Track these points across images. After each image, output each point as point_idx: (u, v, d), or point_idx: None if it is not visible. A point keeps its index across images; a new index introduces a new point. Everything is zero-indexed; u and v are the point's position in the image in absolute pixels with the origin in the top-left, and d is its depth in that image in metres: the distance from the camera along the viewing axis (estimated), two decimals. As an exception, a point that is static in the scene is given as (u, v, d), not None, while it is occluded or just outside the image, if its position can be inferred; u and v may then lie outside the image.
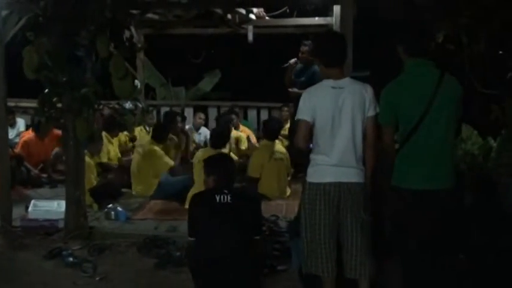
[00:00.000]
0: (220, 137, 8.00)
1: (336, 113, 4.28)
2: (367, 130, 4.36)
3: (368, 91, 4.36)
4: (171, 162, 8.52)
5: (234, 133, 9.70)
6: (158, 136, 8.68)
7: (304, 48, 9.09)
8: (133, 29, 7.61)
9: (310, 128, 4.38)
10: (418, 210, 4.19)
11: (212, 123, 11.46)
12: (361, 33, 6.41)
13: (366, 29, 7.32)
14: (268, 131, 8.63)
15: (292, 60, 9.22)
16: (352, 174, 4.30)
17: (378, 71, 7.34)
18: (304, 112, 4.39)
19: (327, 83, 4.42)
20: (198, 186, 7.10)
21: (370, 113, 4.34)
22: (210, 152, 7.52)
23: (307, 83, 8.95)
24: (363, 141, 4.35)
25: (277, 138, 8.62)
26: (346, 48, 4.49)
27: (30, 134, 9.56)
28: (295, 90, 9.06)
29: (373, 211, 4.43)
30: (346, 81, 4.36)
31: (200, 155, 7.83)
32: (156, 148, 8.48)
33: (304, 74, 9.14)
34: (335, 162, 4.29)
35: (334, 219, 4.31)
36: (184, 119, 10.24)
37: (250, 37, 10.51)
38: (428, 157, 4.18)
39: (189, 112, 11.70)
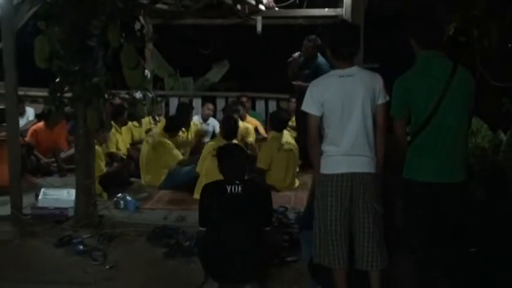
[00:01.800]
0: (231, 127, 8.01)
1: (346, 101, 4.26)
2: (377, 118, 4.33)
3: (377, 79, 4.33)
4: (180, 156, 8.55)
5: (241, 124, 9.70)
6: (171, 129, 8.69)
7: (308, 44, 9.11)
8: (142, 19, 7.62)
9: (319, 121, 4.38)
10: (429, 203, 4.19)
11: (220, 114, 11.47)
12: (371, 24, 6.39)
13: (375, 20, 7.29)
14: (275, 123, 8.63)
15: (296, 54, 9.27)
16: (364, 164, 4.27)
17: (388, 63, 7.32)
18: (310, 105, 4.39)
19: (335, 72, 4.41)
20: (207, 177, 7.12)
21: (380, 100, 4.32)
22: (221, 142, 7.53)
23: (311, 75, 9.00)
24: (375, 130, 4.34)
25: (285, 129, 8.60)
26: (359, 40, 4.47)
27: (39, 123, 9.58)
28: (299, 82, 9.09)
29: (385, 203, 4.43)
30: (354, 69, 4.33)
31: (211, 145, 7.86)
32: (167, 141, 8.49)
33: (307, 67, 9.16)
34: (346, 152, 4.26)
35: (346, 211, 4.30)
36: (192, 109, 10.23)
37: (259, 28, 10.52)
38: (441, 150, 4.17)
39: (197, 103, 11.70)
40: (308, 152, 4.50)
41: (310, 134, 4.40)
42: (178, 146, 8.85)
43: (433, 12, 4.52)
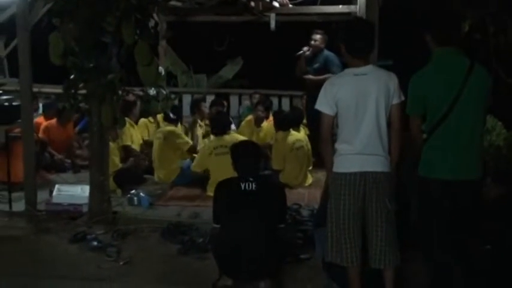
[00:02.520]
0: (221, 123, 8.04)
1: (360, 100, 4.24)
2: (391, 118, 4.31)
3: (392, 78, 4.31)
4: (190, 142, 8.58)
5: (265, 124, 9.69)
6: (169, 118, 8.77)
7: (316, 36, 9.12)
8: (156, 16, 7.62)
9: (333, 120, 4.36)
10: (444, 201, 4.16)
11: (234, 111, 11.48)
12: (385, 21, 6.36)
13: (389, 16, 7.27)
14: (280, 122, 8.59)
15: (305, 48, 9.26)
16: (377, 163, 4.27)
17: (402, 60, 7.30)
18: (324, 104, 4.36)
19: (350, 71, 4.39)
20: (216, 176, 7.13)
21: (395, 100, 4.30)
22: (216, 140, 7.59)
23: (321, 68, 9.02)
24: (388, 130, 4.32)
25: (290, 128, 8.52)
26: (374, 37, 4.44)
27: (51, 120, 9.62)
28: (310, 76, 9.10)
29: (398, 201, 4.41)
30: (369, 68, 4.31)
31: (209, 145, 7.94)
32: (174, 127, 8.54)
33: (315, 61, 9.17)
34: (359, 151, 4.25)
35: (359, 209, 4.29)
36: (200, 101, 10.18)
37: (272, 25, 10.51)
38: (456, 147, 4.14)
39: (210, 100, 11.67)
40: (320, 150, 4.48)
41: (323, 133, 4.39)
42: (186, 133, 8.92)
43: (449, 9, 4.46)
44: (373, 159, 4.26)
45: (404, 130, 4.34)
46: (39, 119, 9.93)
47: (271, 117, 10.01)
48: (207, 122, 9.55)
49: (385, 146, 4.30)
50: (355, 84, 4.27)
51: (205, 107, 9.83)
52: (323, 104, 4.36)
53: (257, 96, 10.77)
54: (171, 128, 8.59)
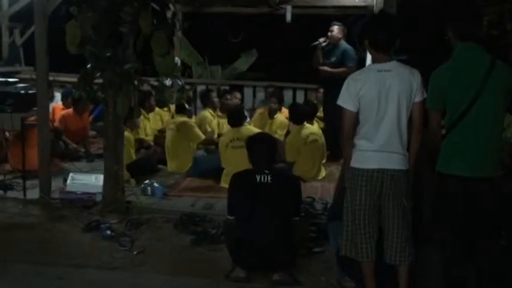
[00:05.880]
0: (237, 115, 8.04)
1: (382, 97, 4.21)
2: (413, 116, 4.28)
3: (415, 75, 4.27)
4: (202, 136, 8.57)
5: (278, 116, 9.68)
6: (181, 109, 8.76)
7: (334, 28, 9.11)
8: (172, 7, 7.62)
9: (356, 116, 4.33)
10: (461, 198, 4.13)
11: (248, 103, 11.47)
12: (402, 15, 6.31)
13: (406, 10, 7.21)
14: (294, 116, 8.58)
15: (322, 39, 9.23)
16: (395, 161, 4.24)
17: (418, 55, 7.24)
18: (347, 100, 4.31)
19: (373, 66, 4.37)
20: (231, 168, 7.14)
21: (418, 98, 4.26)
22: (231, 132, 7.58)
23: (337, 62, 9.00)
24: (408, 127, 4.29)
25: (304, 121, 8.50)
26: (397, 31, 4.36)
27: (68, 109, 9.65)
28: (327, 68, 9.07)
29: (413, 197, 4.39)
30: (393, 64, 4.27)
31: (226, 138, 7.93)
32: (187, 119, 8.53)
33: (333, 54, 9.14)
34: (378, 148, 4.23)
35: (375, 205, 4.28)
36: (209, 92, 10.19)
37: (288, 17, 10.46)
38: (475, 144, 4.11)
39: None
40: (341, 146, 4.44)
41: (345, 130, 4.35)
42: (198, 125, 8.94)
43: (470, 4, 4.41)
44: (391, 157, 4.24)
45: (423, 125, 4.31)
46: (57, 105, 9.98)
47: (284, 110, 10.01)
48: (219, 113, 9.56)
49: (405, 144, 4.28)
50: (379, 80, 4.23)
51: (216, 97, 9.86)
52: (346, 100, 4.32)
53: (271, 88, 10.77)
54: (183, 119, 8.60)
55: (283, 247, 4.84)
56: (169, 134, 8.61)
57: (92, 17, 6.25)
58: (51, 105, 9.71)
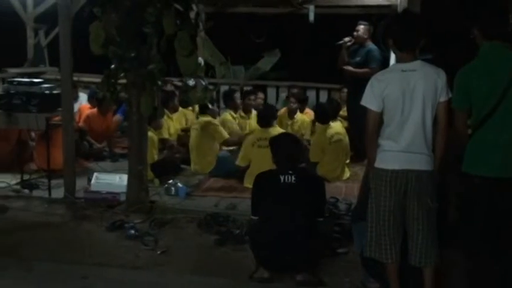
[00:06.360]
0: (267, 114, 8.03)
1: (407, 97, 4.17)
2: (438, 116, 4.23)
3: (440, 75, 4.21)
4: (226, 135, 8.57)
5: (299, 116, 9.67)
6: (203, 109, 8.77)
7: (360, 27, 9.06)
8: (195, 7, 7.64)
9: (380, 117, 4.30)
10: (488, 199, 4.09)
11: (271, 103, 11.45)
12: (427, 13, 6.26)
13: (430, 9, 7.14)
14: (320, 115, 8.57)
15: (347, 39, 9.20)
16: (420, 162, 4.20)
17: (443, 54, 7.18)
18: (371, 100, 4.28)
19: (397, 66, 4.33)
20: (255, 167, 7.14)
21: (443, 98, 4.20)
22: (260, 132, 7.57)
23: (362, 62, 8.96)
24: (433, 127, 4.26)
25: (329, 121, 8.48)
26: (421, 30, 4.31)
27: (92, 109, 9.72)
28: (350, 68, 9.03)
29: (438, 198, 4.35)
30: (417, 64, 4.22)
31: (252, 137, 7.92)
32: (211, 119, 8.54)
33: (358, 54, 9.10)
34: (403, 148, 4.19)
35: (399, 206, 4.25)
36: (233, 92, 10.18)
37: (311, 17, 10.43)
38: (502, 144, 4.06)
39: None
40: (365, 147, 4.41)
41: (369, 130, 4.32)
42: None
43: (496, 2, 4.36)
44: (416, 158, 4.20)
45: (449, 125, 4.26)
46: (85, 105, 10.04)
47: (306, 110, 10.00)
48: (242, 113, 9.54)
49: (430, 144, 4.23)
50: (403, 80, 4.19)
51: (239, 98, 9.85)
52: (370, 100, 4.28)
53: (295, 89, 10.75)
54: (207, 118, 8.60)
55: (307, 248, 4.82)
56: (193, 134, 8.62)
57: (115, 18, 6.29)
58: (77, 105, 9.79)
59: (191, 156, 8.59)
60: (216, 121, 8.70)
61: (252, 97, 9.86)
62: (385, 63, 7.92)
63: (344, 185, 7.94)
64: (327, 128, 8.29)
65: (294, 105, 9.78)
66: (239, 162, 7.94)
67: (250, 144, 7.80)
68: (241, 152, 7.98)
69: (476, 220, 4.16)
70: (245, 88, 11.71)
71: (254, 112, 9.62)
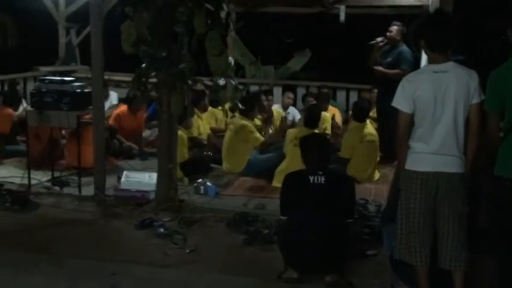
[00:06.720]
0: (314, 116, 7.99)
1: (439, 98, 4.12)
2: (470, 118, 4.18)
3: (473, 77, 4.16)
4: (262, 138, 8.55)
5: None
6: (246, 111, 8.72)
7: (392, 28, 9.01)
8: (226, 7, 7.66)
9: (411, 118, 4.25)
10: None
11: (300, 103, 11.43)
12: (460, 14, 6.19)
13: (463, 9, 7.07)
14: (356, 113, 8.55)
15: (379, 39, 9.14)
16: (452, 164, 4.15)
17: (475, 55, 7.11)
18: (402, 101, 4.24)
19: (429, 67, 4.29)
20: (288, 165, 7.11)
21: (475, 100, 4.15)
22: (303, 131, 7.54)
23: (393, 63, 8.90)
24: (465, 130, 4.20)
25: (366, 119, 8.47)
26: (454, 31, 4.27)
27: (122, 108, 9.78)
28: (381, 68, 8.98)
29: (469, 202, 4.30)
30: (449, 65, 4.18)
31: (292, 133, 7.86)
32: (247, 123, 8.53)
33: (390, 55, 9.04)
34: (434, 150, 4.15)
35: (430, 209, 4.20)
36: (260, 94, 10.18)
37: (342, 17, 10.40)
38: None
39: (277, 91, 11.68)
40: (396, 148, 4.38)
41: (400, 132, 4.28)
42: (259, 129, 8.91)
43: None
44: (448, 160, 4.16)
45: (481, 128, 4.21)
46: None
47: (331, 108, 9.98)
48: (265, 115, 9.51)
49: (461, 146, 4.18)
50: (435, 81, 4.14)
51: (265, 100, 9.82)
52: (401, 102, 4.24)
53: (325, 89, 10.72)
54: (244, 122, 8.51)
55: (336, 249, 4.80)
56: (227, 135, 8.63)
57: (147, 17, 6.33)
58: (107, 104, 9.86)
59: (223, 155, 8.60)
60: (252, 126, 8.62)
61: (270, 97, 9.85)
62: (416, 65, 7.86)
63: (373, 186, 7.88)
64: (363, 127, 8.26)
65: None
66: (285, 149, 7.94)
67: (289, 140, 7.77)
68: (285, 142, 8.01)
69: (508, 224, 4.10)
70: (275, 88, 11.72)
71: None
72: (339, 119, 10.08)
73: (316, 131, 7.82)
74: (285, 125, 8.63)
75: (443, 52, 4.19)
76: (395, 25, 9.09)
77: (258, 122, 9.18)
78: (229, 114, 9.95)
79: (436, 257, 4.29)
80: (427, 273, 4.30)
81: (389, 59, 9.06)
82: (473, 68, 4.25)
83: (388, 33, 9.11)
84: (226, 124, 9.48)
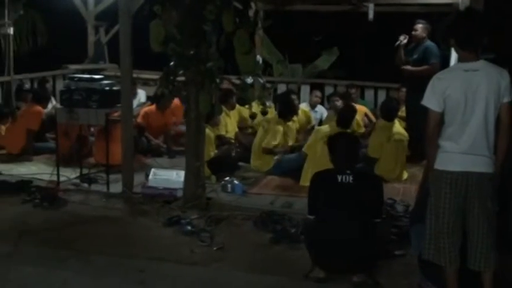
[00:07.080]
0: (348, 116, 7.99)
1: (469, 97, 4.08)
2: (501, 117, 4.13)
3: (504, 75, 4.12)
4: (275, 143, 8.42)
5: None
6: (284, 114, 8.71)
7: (417, 26, 8.95)
8: (253, 5, 7.66)
9: (441, 117, 4.21)
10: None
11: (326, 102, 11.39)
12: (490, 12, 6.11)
13: (493, 7, 6.98)
14: (385, 112, 8.49)
15: (402, 37, 9.09)
16: (482, 164, 4.11)
17: (505, 54, 7.01)
18: (432, 100, 4.21)
19: (459, 66, 4.25)
20: (317, 163, 7.10)
21: (505, 99, 4.11)
22: (336, 130, 7.50)
23: (419, 60, 8.83)
24: (495, 129, 4.15)
25: (395, 118, 8.42)
26: (484, 29, 4.22)
27: (151, 106, 9.83)
28: (409, 67, 8.92)
29: (499, 202, 4.25)
30: (480, 64, 4.14)
31: (324, 131, 7.84)
32: (280, 128, 8.50)
33: (416, 52, 8.98)
34: (464, 150, 4.11)
35: (459, 209, 4.16)
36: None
37: (370, 15, 10.33)
38: None
39: (305, 89, 11.66)
40: (425, 147, 4.34)
41: (429, 131, 4.25)
42: (293, 131, 8.88)
43: None
44: (477, 160, 4.12)
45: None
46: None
47: (358, 107, 9.93)
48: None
49: (491, 146, 4.14)
50: (465, 80, 4.10)
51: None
52: (431, 100, 4.21)
53: (353, 89, 10.67)
54: (277, 127, 8.51)
55: (364, 249, 4.76)
56: (260, 132, 8.64)
57: (175, 15, 6.36)
58: (135, 102, 9.92)
59: (252, 152, 8.59)
60: (280, 127, 8.59)
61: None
62: (443, 61, 7.79)
63: (401, 186, 7.83)
64: (391, 126, 8.22)
65: (338, 103, 9.70)
66: (304, 148, 7.93)
67: (320, 138, 7.72)
68: (310, 140, 7.98)
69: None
70: (303, 87, 11.69)
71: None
72: (372, 117, 10.00)
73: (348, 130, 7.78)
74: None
75: (474, 51, 4.15)
76: (420, 23, 9.03)
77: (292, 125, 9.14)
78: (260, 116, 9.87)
79: (465, 257, 4.25)
80: (455, 274, 4.26)
81: (415, 56, 9.01)
82: (503, 67, 4.20)
83: (413, 32, 9.05)
84: (251, 124, 9.49)
